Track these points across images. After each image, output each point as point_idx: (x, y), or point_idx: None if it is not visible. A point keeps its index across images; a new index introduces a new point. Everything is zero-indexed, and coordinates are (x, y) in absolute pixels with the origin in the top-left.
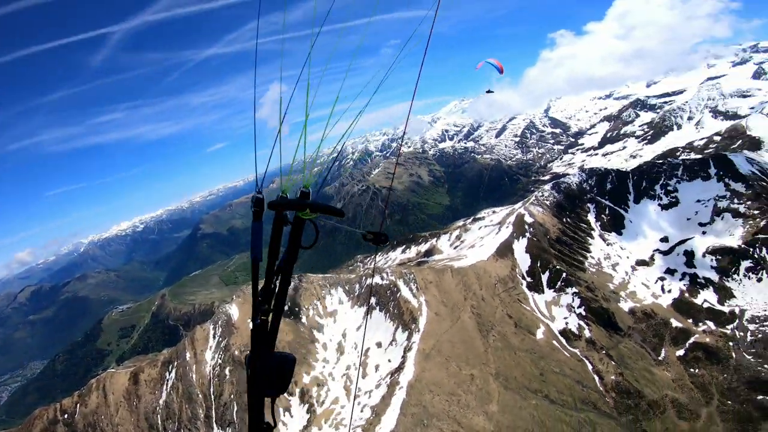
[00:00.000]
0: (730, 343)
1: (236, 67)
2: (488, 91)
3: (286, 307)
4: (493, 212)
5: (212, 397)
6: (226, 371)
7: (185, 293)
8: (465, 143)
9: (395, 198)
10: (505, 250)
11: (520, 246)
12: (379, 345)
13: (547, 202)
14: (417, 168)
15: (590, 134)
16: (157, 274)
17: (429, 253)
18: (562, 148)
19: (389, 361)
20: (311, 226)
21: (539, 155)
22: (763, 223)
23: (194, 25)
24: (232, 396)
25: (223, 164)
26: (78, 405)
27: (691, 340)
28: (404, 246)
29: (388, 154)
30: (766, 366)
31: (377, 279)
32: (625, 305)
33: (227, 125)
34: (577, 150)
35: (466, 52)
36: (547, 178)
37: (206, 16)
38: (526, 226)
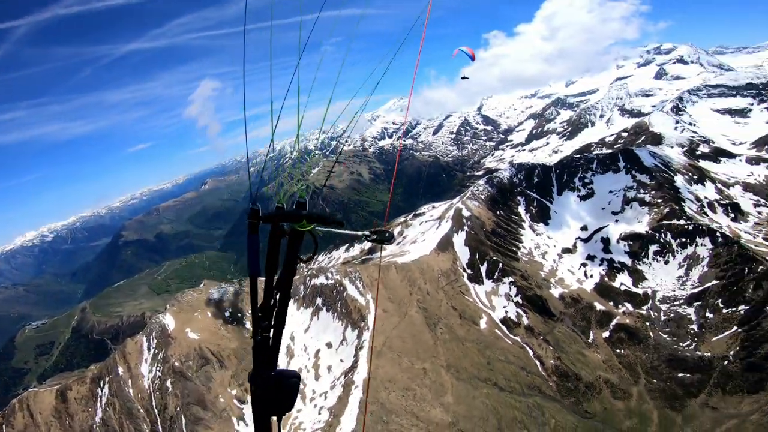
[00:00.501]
0: (647, 323)
1: (161, 63)
2: (463, 77)
3: (227, 314)
4: (433, 207)
5: (155, 411)
6: (168, 383)
7: (110, 305)
8: (404, 141)
9: (336, 197)
10: (445, 244)
11: (459, 239)
12: (329, 345)
13: (482, 196)
14: (357, 166)
15: (518, 131)
16: (75, 287)
17: (372, 250)
18: (494, 144)
19: (341, 361)
20: (309, 237)
21: (473, 151)
22: (666, 210)
23: (113, 18)
24: (178, 409)
25: (147, 166)
26: (3, 426)
27: (614, 321)
28: (347, 244)
29: (327, 153)
30: (681, 344)
31: (322, 279)
32: (556, 291)
33: (151, 124)
34: (507, 146)
35: (404, 51)
36: (481, 173)
37: (128, 9)
38: (464, 220)
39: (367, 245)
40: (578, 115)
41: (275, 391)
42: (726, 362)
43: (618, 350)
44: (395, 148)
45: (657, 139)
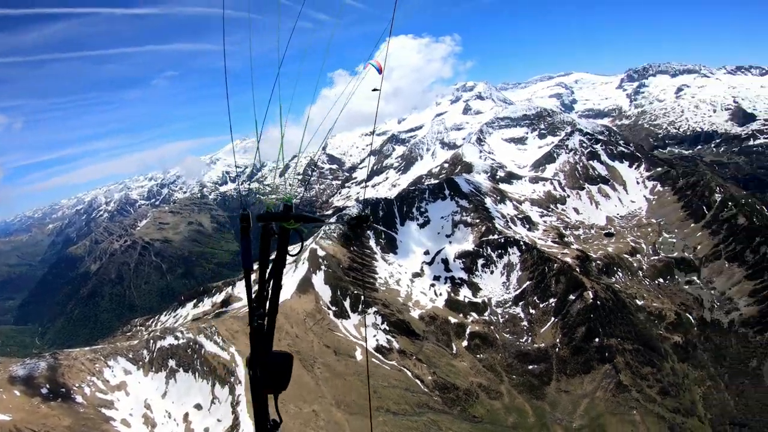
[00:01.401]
0: (492, 327)
1: None
2: (374, 90)
3: (46, 390)
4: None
5: None
6: None
7: None
8: (249, 184)
9: (172, 251)
10: (305, 285)
11: (318, 279)
12: (198, 407)
13: (335, 235)
14: (197, 215)
15: (361, 168)
16: None
17: (227, 302)
18: (340, 182)
19: (219, 420)
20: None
21: (321, 191)
22: (483, 228)
23: None
24: None
25: None
26: None
27: (468, 331)
28: (195, 300)
29: (157, 202)
30: (521, 340)
31: (170, 340)
32: (415, 313)
33: None
34: (352, 183)
35: (248, 89)
36: (330, 212)
37: None
38: (320, 260)
39: (218, 298)
40: (409, 150)
41: (272, 371)
42: (557, 349)
43: (478, 355)
44: (240, 192)
45: (469, 168)
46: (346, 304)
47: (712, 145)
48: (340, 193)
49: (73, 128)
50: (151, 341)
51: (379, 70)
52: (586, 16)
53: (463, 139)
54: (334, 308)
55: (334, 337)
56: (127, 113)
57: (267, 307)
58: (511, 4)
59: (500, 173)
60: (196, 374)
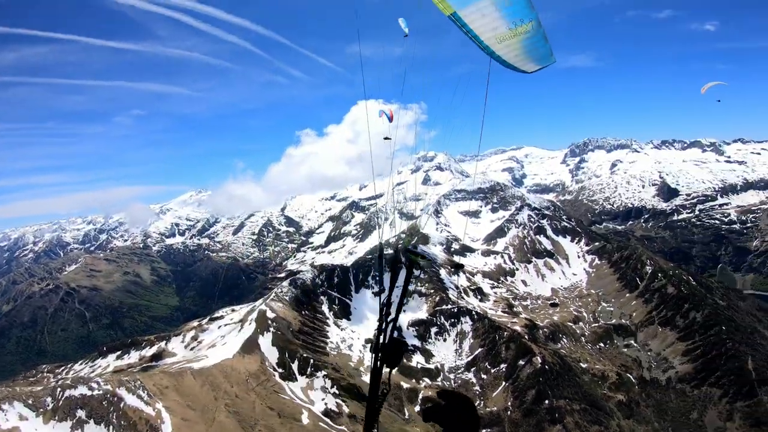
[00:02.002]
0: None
1: None
2: (386, 138)
3: None
4: (233, 311)
5: None
6: None
7: None
8: (199, 240)
9: (101, 300)
10: (251, 346)
11: (265, 340)
12: None
13: (287, 298)
14: (135, 265)
15: (318, 233)
16: None
17: (157, 357)
18: (296, 246)
19: None
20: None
21: (275, 253)
22: (437, 298)
23: None
24: None
25: None
26: None
27: (420, 395)
28: (120, 352)
29: (93, 248)
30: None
31: (82, 390)
32: (366, 378)
33: None
34: (308, 248)
35: (212, 139)
36: (284, 275)
37: None
38: (269, 321)
39: (148, 352)
40: (368, 218)
41: (393, 350)
42: (509, 412)
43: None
44: (187, 247)
45: (425, 239)
46: (294, 366)
47: (642, 221)
48: (295, 256)
49: (18, 158)
50: (59, 389)
51: (390, 119)
52: (536, 90)
53: (421, 210)
54: (280, 370)
55: (278, 399)
56: (80, 149)
57: (393, 311)
58: (471, 77)
59: (455, 246)
60: (111, 427)
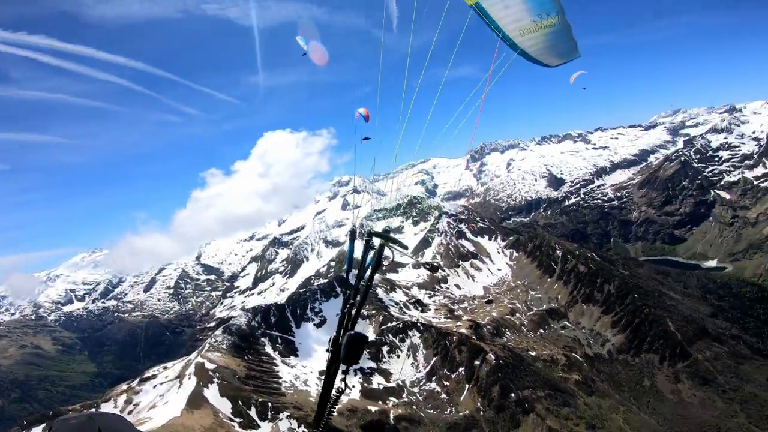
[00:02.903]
0: (415, 407)
1: None
2: (365, 138)
3: None
4: (165, 368)
5: None
6: None
7: None
8: (104, 303)
9: (2, 375)
10: (197, 400)
11: (212, 392)
12: None
13: (224, 346)
14: (31, 338)
15: (243, 276)
16: None
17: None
18: (221, 293)
19: None
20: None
21: (198, 304)
22: (381, 318)
23: None
24: None
25: None
26: None
27: (391, 415)
28: (44, 424)
29: None
30: (445, 412)
31: None
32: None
33: None
34: (235, 293)
35: (100, 192)
36: (214, 324)
37: None
38: (211, 373)
39: None
40: (294, 252)
41: (351, 345)
42: (482, 412)
43: None
44: (91, 312)
45: (356, 264)
46: (253, 413)
47: (541, 210)
48: (222, 303)
49: None
50: None
51: (366, 119)
52: (428, 103)
53: (345, 235)
54: (239, 419)
55: None
56: None
57: (357, 299)
58: (371, 97)
59: (385, 263)
60: None
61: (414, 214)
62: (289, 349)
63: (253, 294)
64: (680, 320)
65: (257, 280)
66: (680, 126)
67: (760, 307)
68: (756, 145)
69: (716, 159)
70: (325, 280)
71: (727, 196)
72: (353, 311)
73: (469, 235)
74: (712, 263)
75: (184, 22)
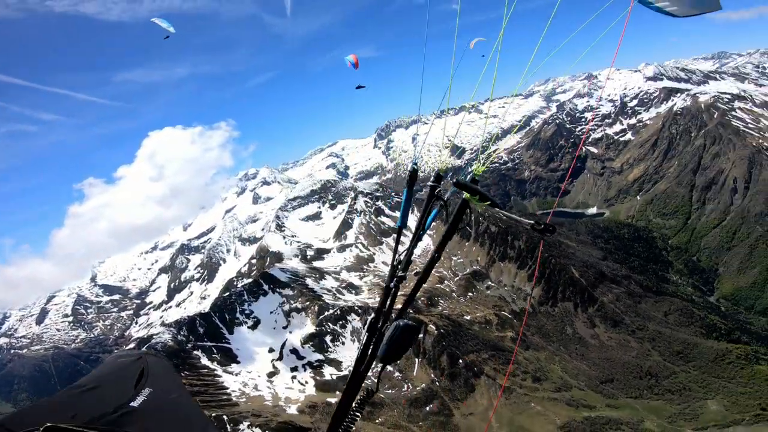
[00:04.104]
0: (382, 395)
1: None
2: (359, 87)
3: None
4: None
5: None
6: None
7: None
8: None
9: None
10: None
11: None
12: None
13: None
14: None
15: (154, 290)
16: None
17: None
18: (132, 311)
19: None
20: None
21: (107, 327)
22: (317, 308)
23: None
24: None
25: None
26: None
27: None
28: None
29: None
30: (403, 390)
31: None
32: (293, 410)
33: None
34: (150, 309)
35: None
36: (132, 345)
37: None
38: None
39: None
40: (208, 256)
41: (397, 338)
42: (437, 383)
43: (377, 420)
44: None
45: (279, 257)
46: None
47: (448, 178)
48: (136, 323)
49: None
50: None
51: (355, 66)
52: (333, 84)
53: (262, 230)
54: None
55: None
56: None
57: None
58: (275, 84)
59: (310, 252)
60: None
61: (330, 198)
62: (228, 357)
63: (170, 307)
64: (581, 266)
65: (172, 292)
66: (552, 93)
67: (639, 245)
68: (612, 106)
69: (583, 120)
70: (250, 280)
71: (595, 151)
72: (399, 291)
73: (387, 211)
74: (594, 210)
75: (25, 22)
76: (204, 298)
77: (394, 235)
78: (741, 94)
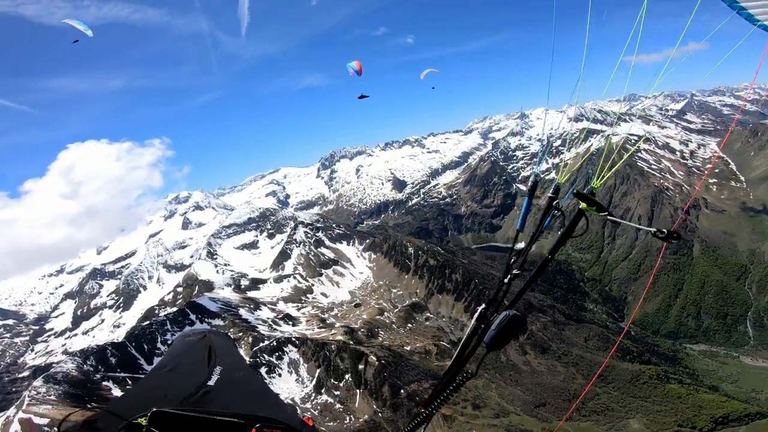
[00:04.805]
0: (317, 424)
1: None
2: (362, 96)
3: None
4: None
5: None
6: None
7: None
8: None
9: None
10: None
11: None
12: None
13: (52, 397)
14: None
15: (57, 316)
16: None
17: None
18: (28, 338)
19: None
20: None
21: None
22: (250, 339)
23: None
24: None
25: None
26: None
27: None
28: None
29: None
30: (345, 422)
31: None
32: None
33: None
34: (50, 336)
35: None
36: (28, 374)
37: None
38: (44, 428)
39: None
40: (125, 282)
41: (505, 326)
42: (380, 414)
43: None
44: None
45: (209, 286)
46: None
47: (389, 212)
48: (33, 350)
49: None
50: None
51: (359, 73)
52: (278, 111)
53: (191, 257)
54: None
55: None
56: None
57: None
58: (218, 104)
59: (244, 282)
60: None
61: (268, 226)
62: None
63: (76, 335)
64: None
65: (78, 319)
66: (489, 130)
67: (560, 277)
68: (540, 145)
69: (515, 157)
70: (175, 309)
71: (524, 188)
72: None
73: (327, 242)
74: (521, 245)
75: None
76: (118, 326)
77: (334, 267)
78: (647, 136)
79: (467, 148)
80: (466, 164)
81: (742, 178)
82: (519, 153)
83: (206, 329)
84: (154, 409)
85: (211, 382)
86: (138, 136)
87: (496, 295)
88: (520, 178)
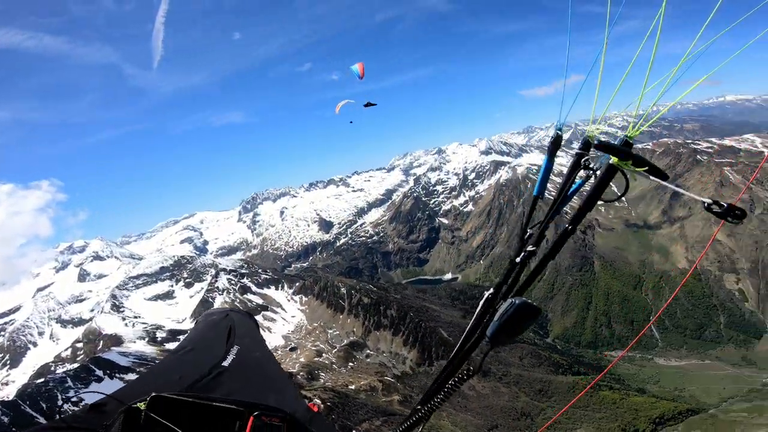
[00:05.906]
0: None
1: None
2: (368, 104)
3: None
4: None
5: None
6: None
7: None
8: None
9: None
10: None
11: None
12: None
13: None
14: None
15: None
16: None
17: None
18: None
19: None
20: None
21: None
22: None
23: None
24: None
25: None
26: None
27: None
28: None
29: None
30: None
31: None
32: None
33: None
34: None
35: None
36: None
37: None
38: None
39: None
40: (10, 339)
41: (511, 317)
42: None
43: None
44: None
45: (117, 341)
46: None
47: (318, 253)
48: None
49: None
50: None
51: (360, 76)
52: (191, 151)
53: (92, 310)
54: None
55: None
56: None
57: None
58: (123, 142)
59: (161, 334)
60: None
61: (185, 275)
62: None
63: None
64: (447, 326)
65: None
66: (410, 166)
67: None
68: (457, 179)
69: (435, 192)
70: (76, 365)
71: (446, 221)
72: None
73: (254, 288)
74: (449, 276)
75: None
76: (6, 383)
77: (264, 313)
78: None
79: (391, 186)
80: (390, 201)
81: (623, 199)
82: (439, 188)
83: (229, 309)
84: (153, 394)
85: (225, 363)
86: (22, 177)
87: (506, 278)
88: (441, 211)
